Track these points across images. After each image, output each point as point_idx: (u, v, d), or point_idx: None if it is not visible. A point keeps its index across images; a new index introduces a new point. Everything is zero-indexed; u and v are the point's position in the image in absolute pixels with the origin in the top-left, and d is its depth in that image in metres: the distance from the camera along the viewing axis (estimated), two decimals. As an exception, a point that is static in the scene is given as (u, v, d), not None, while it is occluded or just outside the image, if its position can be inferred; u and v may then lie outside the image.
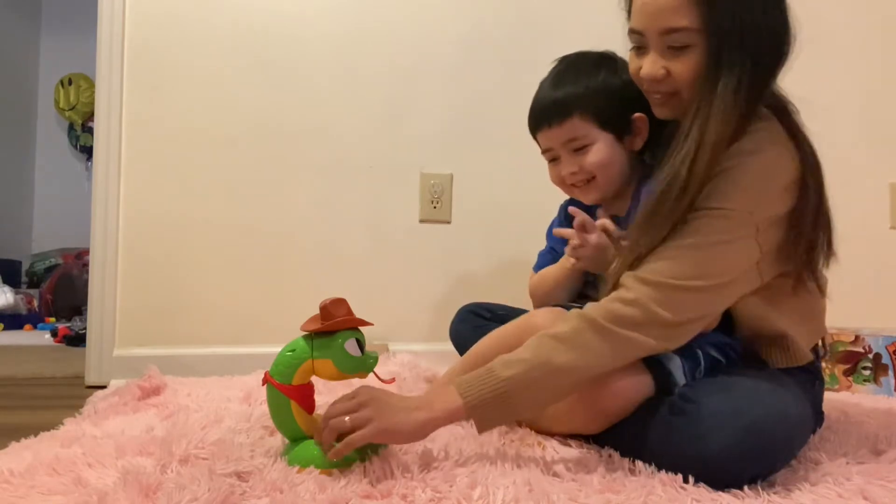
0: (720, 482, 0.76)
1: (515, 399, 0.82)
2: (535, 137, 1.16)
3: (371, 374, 0.86)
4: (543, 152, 1.15)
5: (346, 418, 0.79)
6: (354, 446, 0.78)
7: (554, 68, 1.15)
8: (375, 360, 0.86)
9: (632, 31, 0.98)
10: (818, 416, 1.02)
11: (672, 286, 0.84)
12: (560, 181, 1.14)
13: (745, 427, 0.75)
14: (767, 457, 0.77)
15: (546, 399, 0.87)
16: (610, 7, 1.93)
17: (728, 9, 0.88)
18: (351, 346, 0.83)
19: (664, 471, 0.79)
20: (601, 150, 1.07)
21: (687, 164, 0.87)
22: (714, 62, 0.89)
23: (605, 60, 1.12)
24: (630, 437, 0.86)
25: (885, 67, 2.10)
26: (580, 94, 1.07)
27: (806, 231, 0.93)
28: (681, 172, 0.87)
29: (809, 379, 0.99)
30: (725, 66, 0.89)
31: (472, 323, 1.31)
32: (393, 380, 0.91)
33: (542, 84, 1.15)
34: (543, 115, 1.11)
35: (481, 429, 0.83)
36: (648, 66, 0.95)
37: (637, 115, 1.07)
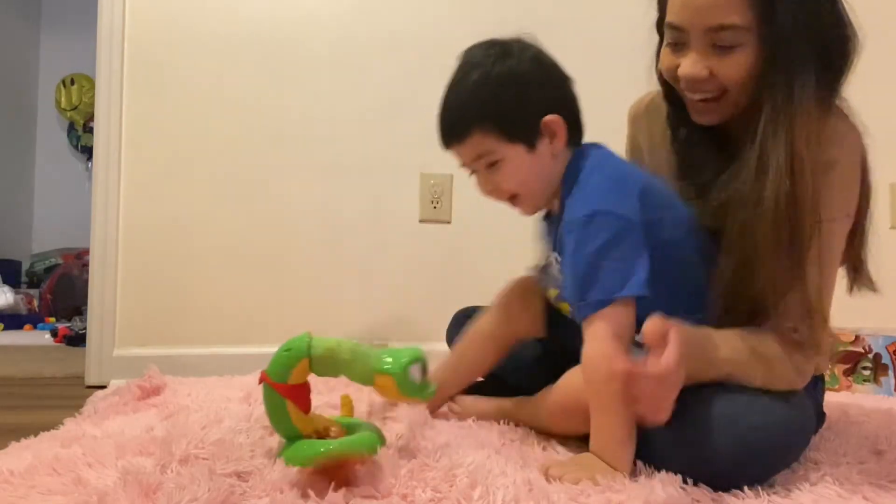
0: (716, 483, 0.76)
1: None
2: None
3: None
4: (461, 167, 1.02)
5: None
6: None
7: (454, 71, 0.99)
8: (434, 390, 0.87)
9: (671, 26, 0.89)
10: (819, 417, 1.02)
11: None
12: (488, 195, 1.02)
13: (744, 434, 0.75)
14: (765, 463, 0.78)
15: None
16: (611, 7, 1.94)
17: (789, 7, 0.81)
18: (415, 370, 0.83)
19: (667, 465, 0.79)
20: (512, 165, 0.93)
21: (786, 176, 0.80)
22: (775, 66, 0.82)
23: (503, 55, 0.95)
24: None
25: (884, 67, 2.10)
26: (476, 106, 0.93)
27: (862, 223, 0.96)
28: (782, 187, 0.80)
29: (812, 380, 0.98)
30: (797, 67, 0.82)
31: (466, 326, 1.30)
32: (447, 412, 0.91)
33: (444, 92, 1.01)
34: (443, 133, 1.00)
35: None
36: (689, 67, 0.86)
37: (547, 118, 0.92)
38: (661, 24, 0.93)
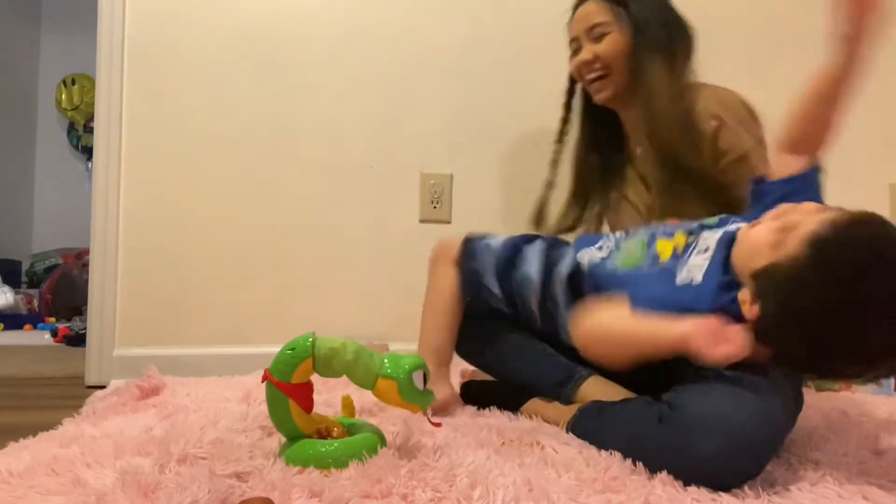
0: (710, 485, 0.76)
1: None
2: None
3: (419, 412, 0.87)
4: None
5: None
6: None
7: None
8: (433, 399, 0.87)
9: (571, 41, 1.36)
10: (798, 398, 1.01)
11: None
12: None
13: (729, 433, 0.75)
14: (753, 460, 0.78)
15: None
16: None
17: (636, 7, 1.25)
18: (417, 377, 0.83)
19: (659, 472, 0.78)
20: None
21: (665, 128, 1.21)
22: (638, 47, 1.24)
23: None
24: (622, 443, 0.86)
25: (884, 68, 2.09)
26: None
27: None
28: (671, 142, 1.21)
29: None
30: (654, 48, 1.23)
31: (464, 328, 1.30)
32: (440, 424, 0.91)
33: None
34: None
35: None
36: (581, 55, 1.31)
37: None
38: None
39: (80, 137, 4.56)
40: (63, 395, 1.54)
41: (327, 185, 1.82)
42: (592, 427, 0.95)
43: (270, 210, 1.79)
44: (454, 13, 1.88)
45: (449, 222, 1.87)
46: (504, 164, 1.87)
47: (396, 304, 1.83)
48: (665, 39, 1.24)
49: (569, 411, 1.02)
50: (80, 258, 3.83)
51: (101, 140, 1.72)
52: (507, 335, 1.19)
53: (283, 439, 0.86)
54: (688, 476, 0.76)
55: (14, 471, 0.76)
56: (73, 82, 4.53)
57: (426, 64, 1.87)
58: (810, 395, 1.46)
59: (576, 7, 1.34)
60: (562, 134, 1.47)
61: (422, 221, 1.86)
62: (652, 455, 0.80)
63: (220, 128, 1.77)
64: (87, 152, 4.46)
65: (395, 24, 1.86)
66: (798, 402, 0.97)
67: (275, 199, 1.79)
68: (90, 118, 4.42)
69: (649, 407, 0.86)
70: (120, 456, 0.83)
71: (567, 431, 1.00)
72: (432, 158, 1.88)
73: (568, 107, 1.46)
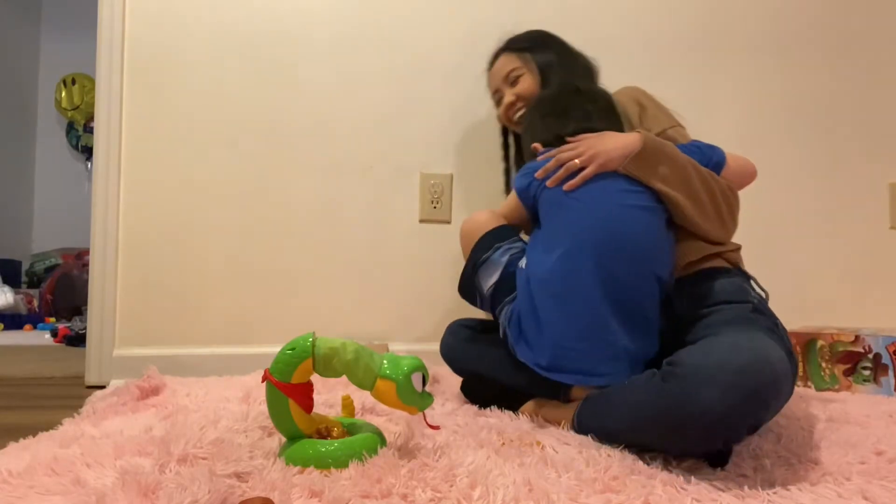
0: (718, 437, 0.79)
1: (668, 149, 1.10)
2: None
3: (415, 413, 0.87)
4: None
5: (577, 160, 1.09)
6: (587, 177, 1.08)
7: None
8: (431, 402, 0.87)
9: (494, 94, 1.57)
10: (791, 357, 1.03)
11: None
12: None
13: (732, 376, 0.77)
14: (758, 402, 0.79)
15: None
16: (609, 8, 1.94)
17: (539, 53, 1.48)
18: (416, 379, 0.83)
19: (667, 443, 0.83)
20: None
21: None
22: (547, 83, 1.43)
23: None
24: (629, 414, 0.88)
25: (884, 68, 2.10)
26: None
27: None
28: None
29: (769, 325, 1.03)
30: (555, 79, 1.41)
31: (462, 335, 1.31)
32: (438, 427, 0.91)
33: None
34: None
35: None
36: (506, 99, 1.51)
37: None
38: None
39: (80, 137, 4.56)
40: (63, 395, 1.54)
41: (327, 185, 1.82)
42: (601, 410, 0.96)
43: (270, 210, 1.79)
44: (454, 13, 1.88)
45: (449, 222, 1.87)
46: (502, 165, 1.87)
47: (396, 304, 1.83)
48: (568, 69, 1.45)
49: (569, 408, 1.03)
50: (80, 258, 3.83)
51: (101, 140, 1.72)
52: (498, 345, 1.19)
53: (283, 439, 0.86)
54: (696, 430, 0.78)
55: (14, 471, 0.76)
56: (74, 82, 4.53)
57: (426, 64, 1.87)
58: (810, 395, 1.46)
59: (491, 65, 1.56)
60: (507, 172, 1.69)
61: (422, 221, 1.86)
62: (657, 416, 0.82)
63: (220, 128, 1.77)
64: (87, 152, 4.47)
65: (395, 24, 1.86)
66: (791, 359, 1.00)
67: (275, 199, 1.79)
68: (90, 118, 4.42)
69: (653, 374, 0.87)
70: (120, 456, 0.83)
71: (573, 422, 1.00)
72: (432, 158, 1.88)
73: (506, 146, 1.68)
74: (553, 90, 1.30)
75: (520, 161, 1.62)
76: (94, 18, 1.73)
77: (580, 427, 0.98)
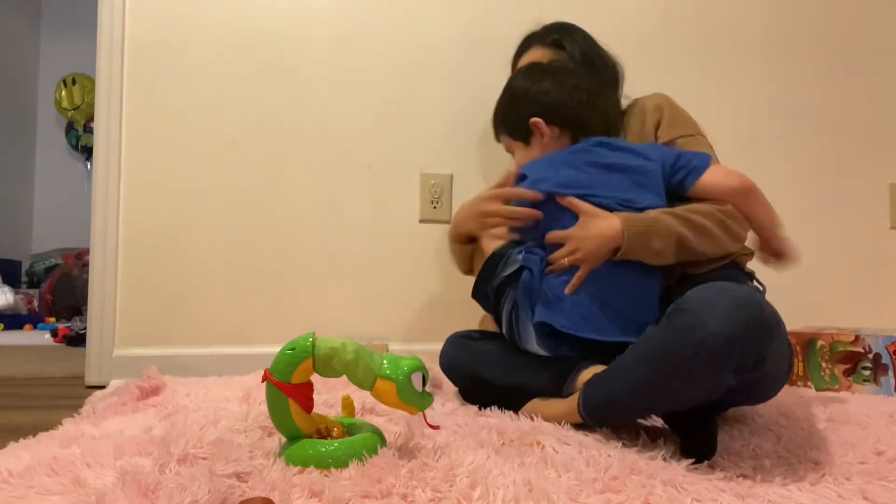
0: (726, 363, 0.82)
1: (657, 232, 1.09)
2: None
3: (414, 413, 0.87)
4: None
5: (566, 260, 1.10)
6: (582, 278, 1.09)
7: None
8: (431, 402, 0.87)
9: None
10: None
11: None
12: None
13: (735, 301, 0.82)
14: (759, 331, 0.83)
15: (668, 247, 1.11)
16: (609, 9, 1.94)
17: (570, 48, 1.45)
18: (416, 379, 0.83)
19: (675, 383, 0.86)
20: (517, 156, 1.33)
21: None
22: None
23: (523, 74, 1.34)
24: (636, 368, 0.92)
25: (884, 69, 2.10)
26: (497, 115, 1.35)
27: None
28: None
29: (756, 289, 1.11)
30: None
31: (461, 345, 1.30)
32: (438, 427, 0.91)
33: None
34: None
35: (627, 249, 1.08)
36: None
37: (532, 120, 1.25)
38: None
39: (80, 137, 4.56)
40: (63, 395, 1.54)
41: (327, 185, 1.82)
42: (609, 375, 0.98)
43: (270, 210, 1.79)
44: (454, 13, 1.88)
45: (449, 222, 1.86)
46: (504, 164, 1.86)
47: (396, 304, 1.83)
48: (595, 71, 1.42)
49: (570, 401, 1.03)
50: (80, 258, 3.83)
51: (101, 140, 1.72)
52: (500, 350, 1.20)
53: (283, 439, 0.86)
54: (703, 356, 0.82)
55: (14, 471, 0.76)
56: (74, 82, 4.53)
57: (426, 64, 1.87)
58: (810, 395, 1.46)
59: (520, 53, 1.51)
60: None
61: (422, 221, 1.86)
62: (665, 350, 0.86)
63: (220, 128, 1.77)
64: (87, 152, 4.47)
65: (395, 24, 1.86)
66: None
67: (274, 199, 1.79)
68: (90, 118, 4.42)
69: (659, 322, 0.92)
70: (120, 456, 0.83)
71: (577, 404, 1.01)
72: (432, 158, 1.88)
73: None
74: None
75: None
76: (94, 18, 1.73)
77: (585, 404, 0.99)
